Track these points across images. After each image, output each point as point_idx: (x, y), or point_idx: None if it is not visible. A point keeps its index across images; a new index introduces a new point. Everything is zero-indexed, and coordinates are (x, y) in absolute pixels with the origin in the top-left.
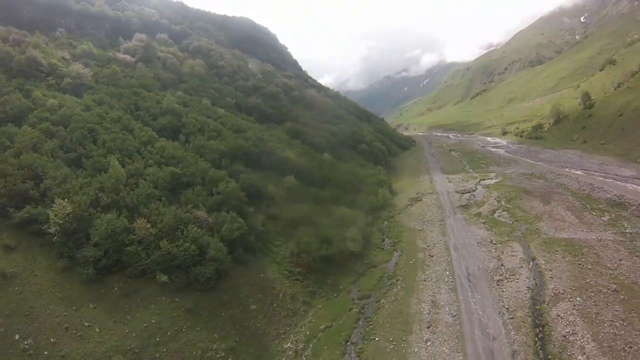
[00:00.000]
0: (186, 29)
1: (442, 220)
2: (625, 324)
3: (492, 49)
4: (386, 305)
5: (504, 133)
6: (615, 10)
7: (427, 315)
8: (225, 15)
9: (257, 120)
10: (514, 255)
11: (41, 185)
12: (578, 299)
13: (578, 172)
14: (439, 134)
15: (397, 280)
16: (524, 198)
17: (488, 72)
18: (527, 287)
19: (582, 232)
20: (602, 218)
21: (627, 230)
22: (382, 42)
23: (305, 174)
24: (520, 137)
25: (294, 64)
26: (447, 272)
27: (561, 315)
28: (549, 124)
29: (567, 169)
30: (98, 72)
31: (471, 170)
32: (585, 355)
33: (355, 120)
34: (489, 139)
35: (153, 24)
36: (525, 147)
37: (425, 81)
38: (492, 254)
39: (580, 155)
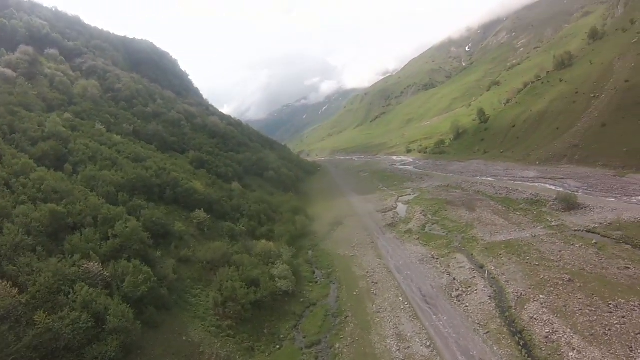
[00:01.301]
0: (81, 47)
1: (373, 242)
2: (593, 308)
3: (388, 75)
4: (344, 350)
5: (408, 151)
6: (495, 41)
7: (397, 352)
8: (125, 36)
9: (158, 148)
10: (461, 267)
11: None
12: (541, 296)
13: (489, 179)
14: (342, 158)
15: (346, 318)
16: (448, 209)
17: (386, 96)
18: (489, 296)
19: (516, 232)
20: (527, 216)
21: (553, 224)
22: (281, 70)
23: (216, 206)
24: (425, 153)
25: (195, 92)
26: (400, 298)
27: (533, 316)
28: (450, 139)
29: (478, 177)
30: None
31: (385, 188)
32: (575, 350)
33: (260, 148)
34: (394, 157)
35: (43, 37)
36: (432, 162)
37: (324, 107)
38: (439, 269)
39: (485, 164)
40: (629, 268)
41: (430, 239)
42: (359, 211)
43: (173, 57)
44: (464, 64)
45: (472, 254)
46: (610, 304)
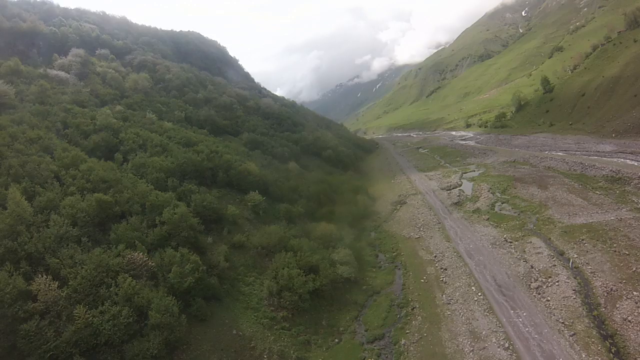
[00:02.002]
0: (130, 45)
1: (440, 222)
2: None
3: (440, 48)
4: (411, 348)
5: (468, 125)
6: (554, 2)
7: (471, 353)
8: (172, 30)
9: (211, 132)
10: (539, 253)
11: None
12: (635, 293)
13: (560, 154)
14: (400, 135)
15: (412, 309)
16: (517, 186)
17: (440, 70)
18: (573, 289)
19: (598, 214)
20: (608, 196)
21: None
22: (330, 50)
23: (272, 188)
24: (485, 127)
25: (246, 76)
26: (473, 288)
27: (627, 317)
28: (511, 112)
29: (547, 152)
30: (24, 89)
31: (448, 165)
32: None
33: (316, 127)
34: (453, 132)
35: (93, 40)
36: (494, 137)
37: (378, 85)
38: (514, 255)
39: (552, 137)
40: None
41: (501, 219)
42: (421, 189)
43: (221, 44)
44: (521, 31)
45: (549, 238)
46: None
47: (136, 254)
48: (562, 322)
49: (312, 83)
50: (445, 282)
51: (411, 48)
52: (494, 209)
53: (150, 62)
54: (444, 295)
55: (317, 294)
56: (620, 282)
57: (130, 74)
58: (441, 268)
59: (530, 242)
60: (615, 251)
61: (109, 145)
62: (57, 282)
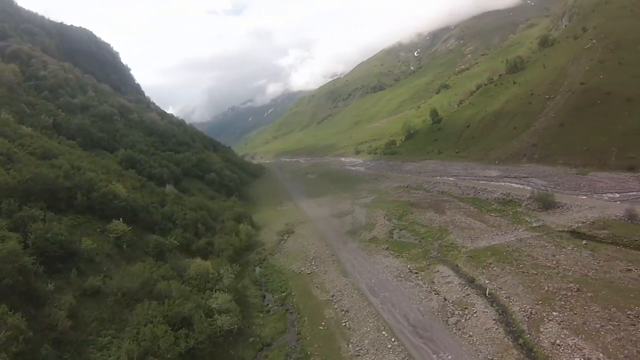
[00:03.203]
0: (7, 30)
1: (334, 254)
2: (615, 322)
3: (336, 77)
4: None
5: (357, 152)
6: (444, 47)
7: None
8: (61, 23)
9: (82, 145)
10: (449, 282)
11: None
12: (554, 313)
13: (451, 179)
14: (288, 160)
15: None
16: (414, 212)
17: (333, 99)
18: (493, 319)
19: (498, 236)
20: (504, 218)
21: (534, 224)
22: (231, 71)
23: (142, 214)
24: (375, 154)
25: (137, 88)
26: (384, 332)
27: (555, 341)
28: (401, 140)
29: (439, 177)
30: None
31: (339, 191)
32: None
33: (202, 149)
34: (342, 159)
35: None
36: (384, 162)
37: (270, 110)
38: (423, 287)
39: (442, 163)
40: (630, 270)
41: (402, 248)
42: (311, 216)
43: (114, 49)
44: (412, 68)
45: (457, 265)
46: (629, 314)
47: None
48: (491, 359)
49: (206, 103)
50: (350, 328)
51: (308, 75)
52: (392, 237)
53: (25, 54)
54: (350, 345)
55: (192, 355)
56: (537, 304)
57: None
58: (342, 310)
59: (438, 270)
60: (523, 272)
61: None
62: None
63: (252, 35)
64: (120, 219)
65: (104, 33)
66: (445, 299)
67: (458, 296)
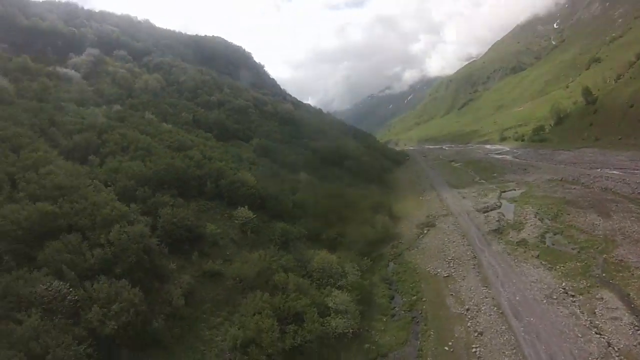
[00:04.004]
0: (150, 47)
1: (475, 256)
2: None
3: (471, 60)
4: None
5: (503, 139)
6: (587, 13)
7: None
8: (196, 34)
9: (219, 137)
10: (616, 319)
11: None
12: None
13: (614, 172)
14: (431, 147)
15: None
16: (571, 212)
17: (471, 82)
18: None
19: None
20: None
21: None
22: (361, 61)
23: (271, 202)
24: (522, 141)
25: (272, 83)
26: None
27: None
28: (550, 125)
29: (599, 169)
30: (27, 86)
31: (484, 181)
32: None
33: (340, 136)
34: (488, 146)
35: (112, 41)
36: (532, 151)
37: (409, 97)
38: (580, 319)
39: (601, 153)
40: None
41: (555, 257)
42: (454, 209)
43: (246, 50)
44: (554, 43)
45: (628, 294)
46: None
47: (55, 282)
48: None
49: (344, 92)
50: (480, 358)
51: (442, 60)
52: (544, 242)
53: (167, 64)
54: None
55: (298, 352)
56: None
57: (144, 74)
58: (475, 331)
59: (601, 298)
60: None
61: (90, 146)
62: None
63: (376, 25)
64: (246, 206)
65: (235, 37)
66: (609, 344)
67: (628, 343)
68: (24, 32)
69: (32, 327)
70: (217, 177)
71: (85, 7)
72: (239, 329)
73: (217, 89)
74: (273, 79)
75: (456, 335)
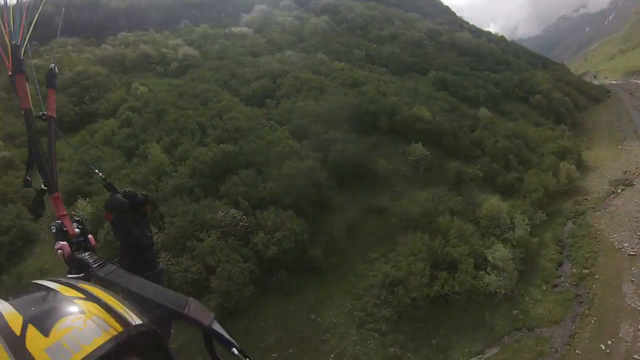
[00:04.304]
0: None
1: None
2: None
3: None
4: None
5: None
6: None
7: None
8: None
9: (394, 72)
10: None
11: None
12: None
13: None
14: None
15: None
16: None
17: None
18: None
19: None
20: None
21: None
22: None
23: (446, 139)
24: None
25: (445, 11)
26: None
27: None
28: None
29: None
30: (209, 50)
31: None
32: None
33: (526, 67)
34: None
35: None
36: None
37: (611, 17)
38: None
39: None
40: None
41: None
42: None
43: None
44: None
45: None
46: None
47: (232, 210)
48: None
49: (530, 16)
50: None
51: None
52: None
53: (333, 5)
54: None
55: (442, 301)
56: None
57: (312, 18)
58: None
59: None
60: None
61: (266, 91)
62: (155, 229)
63: None
64: (420, 143)
65: None
66: None
67: None
68: (198, 6)
69: (210, 245)
70: (391, 113)
71: None
72: (391, 268)
73: (387, 22)
74: (447, 7)
75: (620, 334)
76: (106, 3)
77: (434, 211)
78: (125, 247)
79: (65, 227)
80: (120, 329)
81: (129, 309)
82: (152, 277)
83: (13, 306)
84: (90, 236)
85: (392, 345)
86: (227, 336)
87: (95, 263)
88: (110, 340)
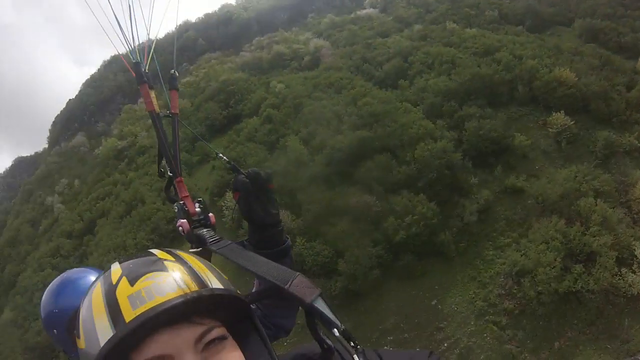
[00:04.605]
0: None
1: None
2: None
3: None
4: None
5: None
6: None
7: None
8: None
9: (531, 29)
10: None
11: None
12: None
13: None
14: None
15: None
16: None
17: None
18: None
19: None
20: None
21: None
22: None
23: (595, 104)
24: None
25: None
26: None
27: None
28: None
29: None
30: (338, 38)
31: None
32: None
33: None
34: None
35: None
36: None
37: None
38: None
39: None
40: None
41: None
42: None
43: None
44: None
45: None
46: None
47: (365, 196)
48: None
49: None
50: None
51: None
52: None
53: None
54: None
55: (573, 299)
56: None
57: None
58: None
59: None
60: None
61: (398, 72)
62: (293, 216)
63: None
64: (563, 111)
65: None
66: None
67: None
68: None
69: (341, 230)
70: (529, 79)
71: None
72: (521, 256)
73: None
74: None
75: None
76: (238, 16)
77: (575, 192)
78: (250, 225)
79: (186, 207)
80: (194, 288)
81: (213, 274)
82: (276, 254)
83: (120, 264)
84: (210, 215)
85: (509, 341)
86: (331, 316)
87: (211, 239)
88: (181, 295)
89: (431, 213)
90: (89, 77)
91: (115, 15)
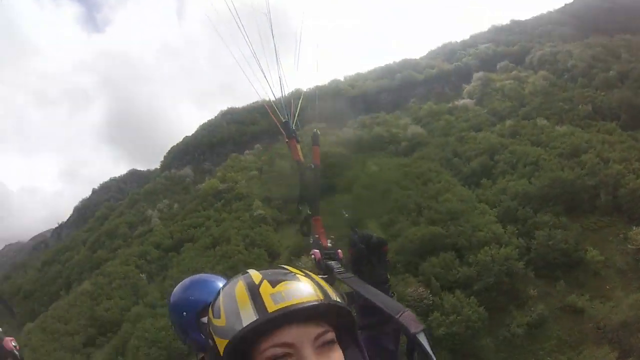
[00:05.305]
0: (525, 44)
1: None
2: None
3: None
4: None
5: None
6: None
7: None
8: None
9: (626, 125)
10: None
11: None
12: None
13: None
14: None
15: None
16: None
17: None
18: None
19: None
20: None
21: None
22: None
23: None
24: None
25: None
26: None
27: None
28: None
29: None
30: (435, 126)
31: None
32: None
33: None
34: None
35: (490, 58)
36: None
37: None
38: None
39: None
40: None
41: None
42: None
43: None
44: None
45: None
46: None
47: (420, 289)
48: None
49: None
50: None
51: None
52: None
53: (548, 54)
54: None
55: None
56: None
57: (531, 76)
58: None
59: None
60: None
61: (484, 169)
62: None
63: None
64: None
65: None
66: None
67: None
68: (423, 84)
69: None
70: (614, 185)
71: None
72: None
73: (613, 58)
74: None
75: None
76: (345, 92)
77: (638, 322)
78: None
79: (320, 240)
80: (321, 297)
81: (333, 291)
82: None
83: (258, 271)
84: (339, 250)
85: None
86: (429, 350)
87: (337, 269)
88: (312, 301)
89: (476, 316)
90: (206, 120)
91: (271, 88)
